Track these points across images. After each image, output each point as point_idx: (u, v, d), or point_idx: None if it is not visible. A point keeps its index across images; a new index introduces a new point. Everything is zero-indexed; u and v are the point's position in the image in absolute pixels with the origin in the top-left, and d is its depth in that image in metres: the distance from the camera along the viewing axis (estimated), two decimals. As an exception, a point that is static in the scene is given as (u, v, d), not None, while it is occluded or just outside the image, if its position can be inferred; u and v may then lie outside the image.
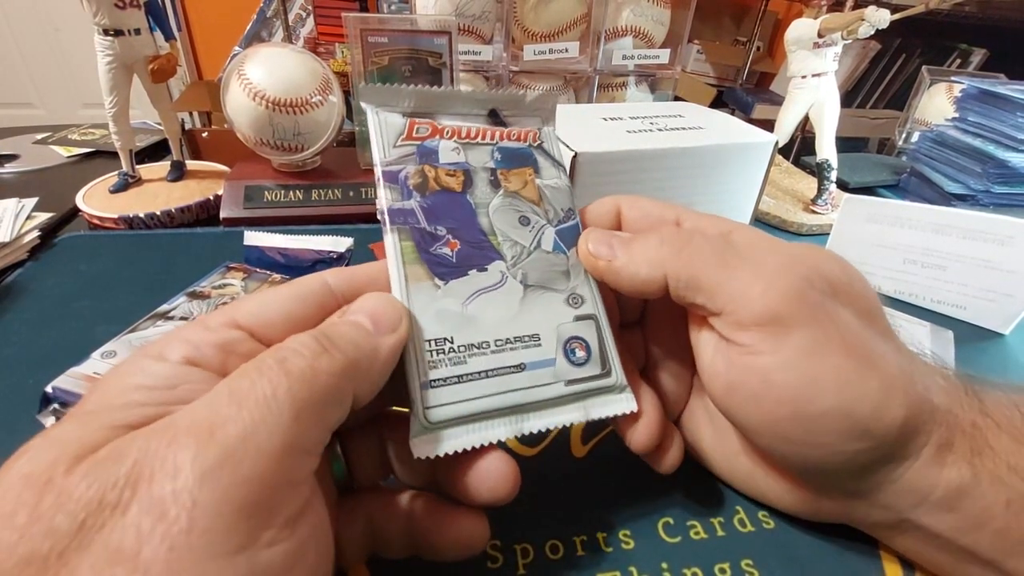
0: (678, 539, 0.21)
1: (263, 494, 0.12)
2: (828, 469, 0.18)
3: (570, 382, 0.18)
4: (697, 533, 0.22)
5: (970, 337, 0.35)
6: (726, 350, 0.18)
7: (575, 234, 0.20)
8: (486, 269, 0.18)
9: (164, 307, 0.29)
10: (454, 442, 0.17)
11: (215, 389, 0.13)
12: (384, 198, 0.18)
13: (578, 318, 0.19)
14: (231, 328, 0.16)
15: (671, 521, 0.22)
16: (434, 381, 0.17)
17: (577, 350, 0.19)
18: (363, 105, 0.19)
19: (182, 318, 0.28)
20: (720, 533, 0.22)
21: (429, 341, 0.17)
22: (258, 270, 0.33)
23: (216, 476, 0.12)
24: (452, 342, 0.17)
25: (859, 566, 0.21)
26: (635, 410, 0.19)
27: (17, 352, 0.29)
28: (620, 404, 0.19)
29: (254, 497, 0.12)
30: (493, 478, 0.17)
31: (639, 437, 0.20)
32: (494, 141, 0.20)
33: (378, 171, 0.18)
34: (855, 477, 0.18)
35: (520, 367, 0.18)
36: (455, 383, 0.17)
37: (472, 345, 0.17)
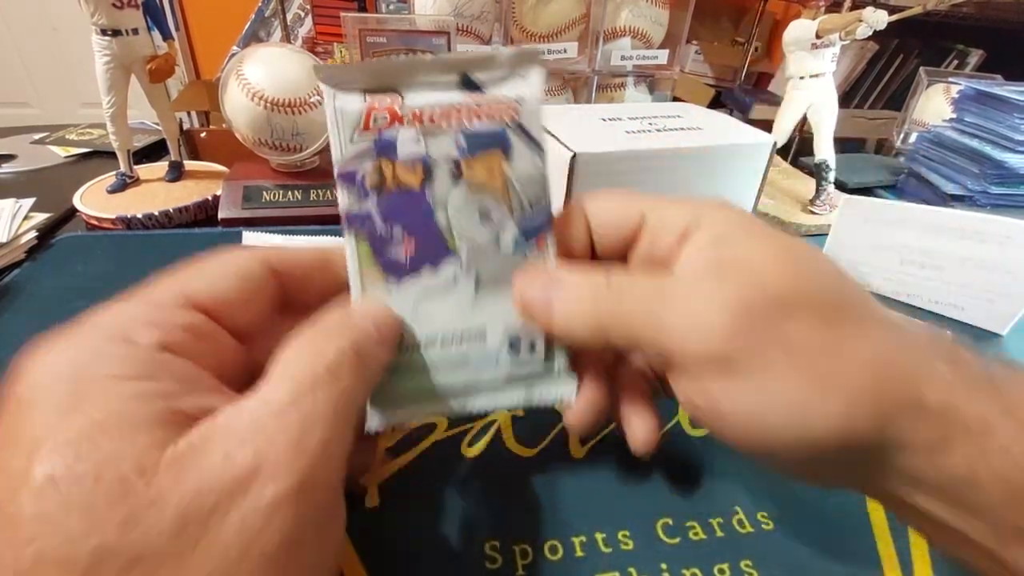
0: (677, 540, 0.21)
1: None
2: (805, 476, 0.18)
3: (512, 374, 0.19)
4: (696, 534, 0.22)
5: (968, 338, 0.35)
6: (681, 381, 0.17)
7: (543, 231, 0.19)
8: (438, 269, 0.18)
9: None
10: (401, 415, 0.18)
11: (283, 408, 0.13)
12: (342, 201, 0.18)
13: None
14: (190, 309, 0.15)
15: (670, 522, 0.22)
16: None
17: (522, 347, 0.19)
18: (321, 86, 0.18)
19: None
20: (719, 534, 0.22)
21: None
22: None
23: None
24: (402, 339, 0.18)
25: (859, 566, 0.21)
26: (573, 397, 0.20)
27: (14, 353, 0.29)
28: (561, 390, 0.20)
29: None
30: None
31: (570, 417, 0.20)
32: (460, 124, 0.18)
33: (336, 171, 0.18)
34: (837, 476, 0.18)
35: (466, 361, 0.18)
36: (405, 370, 0.18)
37: (421, 341, 0.18)
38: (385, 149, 0.18)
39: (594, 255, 0.20)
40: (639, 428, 0.20)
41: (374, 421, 0.18)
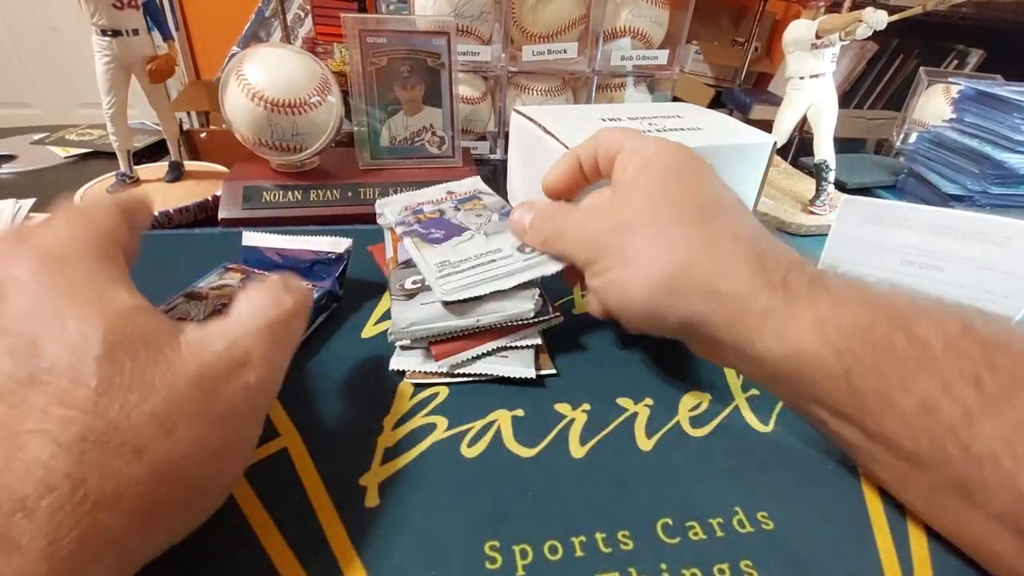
0: (677, 540, 0.21)
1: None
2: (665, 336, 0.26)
3: (526, 259, 0.30)
4: (696, 534, 0.22)
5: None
6: (584, 274, 0.28)
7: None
8: (460, 236, 0.33)
9: (160, 307, 0.28)
10: (457, 295, 0.28)
11: (260, 327, 0.20)
12: (400, 231, 0.34)
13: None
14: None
15: (670, 522, 0.22)
16: (440, 276, 0.29)
17: (525, 249, 0.31)
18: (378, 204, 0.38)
19: (179, 319, 0.27)
20: (719, 534, 0.22)
21: (435, 264, 0.30)
22: (256, 270, 0.33)
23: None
24: (449, 262, 0.30)
25: (858, 567, 0.21)
26: (560, 269, 0.30)
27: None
28: (552, 267, 0.30)
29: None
30: None
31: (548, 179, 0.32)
32: (453, 196, 0.38)
33: (392, 223, 0.35)
34: (692, 344, 0.27)
35: (494, 261, 0.30)
36: (455, 274, 0.29)
37: (460, 260, 0.30)
38: (417, 212, 0.36)
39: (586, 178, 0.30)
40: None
41: (446, 294, 0.28)
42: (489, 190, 0.39)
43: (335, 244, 0.34)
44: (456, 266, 0.30)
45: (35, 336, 0.15)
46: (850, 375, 0.21)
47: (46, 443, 0.14)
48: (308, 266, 0.34)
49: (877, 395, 0.20)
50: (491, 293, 0.28)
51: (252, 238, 0.35)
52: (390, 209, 0.37)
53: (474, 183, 0.40)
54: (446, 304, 0.28)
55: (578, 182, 0.31)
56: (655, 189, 0.26)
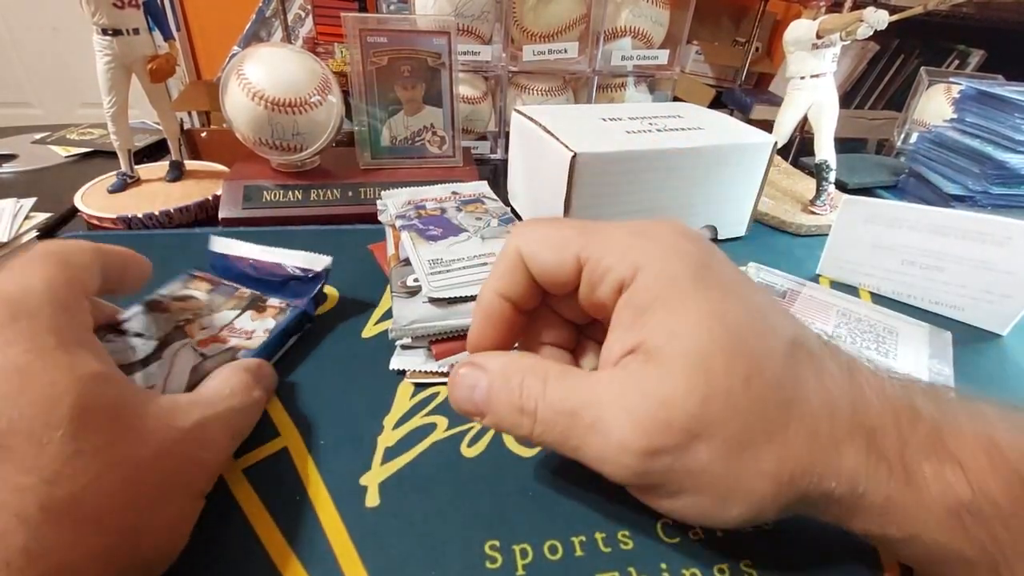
0: (677, 540, 0.21)
1: None
2: None
3: None
4: (696, 534, 0.22)
5: (968, 338, 0.35)
6: None
7: (512, 222, 0.36)
8: (457, 236, 0.34)
9: (120, 316, 0.25)
10: (442, 293, 0.29)
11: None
12: (399, 224, 0.35)
13: None
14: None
15: (670, 522, 0.22)
16: (430, 273, 0.30)
17: None
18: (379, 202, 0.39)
19: (136, 334, 0.25)
20: (719, 534, 0.22)
21: (428, 261, 0.31)
22: (225, 282, 0.30)
23: None
24: (441, 260, 0.31)
25: (858, 567, 0.21)
26: None
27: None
28: None
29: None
30: None
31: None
32: (457, 197, 0.40)
33: (392, 218, 0.36)
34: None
35: (485, 264, 0.31)
36: (445, 273, 0.30)
37: (452, 260, 0.31)
38: (419, 207, 0.37)
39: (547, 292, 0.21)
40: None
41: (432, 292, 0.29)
42: (494, 196, 0.40)
43: (313, 261, 0.31)
44: (447, 265, 0.30)
45: None
46: (996, 566, 0.17)
47: (2, 515, 0.13)
48: (282, 282, 0.31)
49: None
50: None
51: (222, 244, 0.32)
52: (392, 202, 0.37)
53: (479, 187, 0.40)
54: (435, 301, 0.29)
55: (512, 329, 0.22)
56: (721, 377, 0.17)
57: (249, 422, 0.23)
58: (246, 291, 0.30)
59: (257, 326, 0.28)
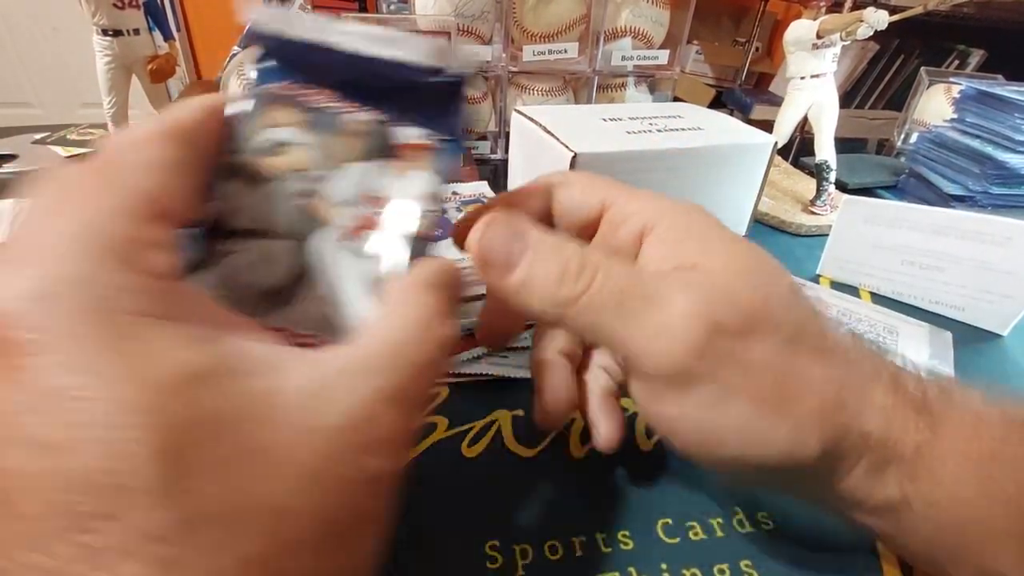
0: (677, 539, 0.21)
1: None
2: (752, 485, 0.18)
3: None
4: (696, 534, 0.22)
5: (968, 338, 0.35)
6: (640, 391, 0.17)
7: None
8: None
9: (214, 208, 0.15)
10: None
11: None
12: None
13: None
14: (160, 225, 0.12)
15: (670, 522, 0.22)
16: None
17: None
18: None
19: (247, 231, 0.16)
20: (719, 534, 0.22)
21: None
22: (311, 100, 0.16)
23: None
24: None
25: (858, 567, 0.21)
26: None
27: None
28: None
29: None
30: None
31: (538, 417, 0.21)
32: None
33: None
34: (786, 487, 0.18)
35: None
36: None
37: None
38: None
39: None
40: (604, 426, 0.20)
41: None
42: (494, 196, 0.39)
43: (438, 52, 0.16)
44: None
45: (46, 442, 0.09)
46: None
47: None
48: (395, 92, 0.16)
49: None
50: None
51: (265, 15, 0.16)
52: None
53: (479, 187, 0.40)
54: None
55: None
56: (774, 285, 0.17)
57: (436, 379, 0.14)
58: (362, 115, 0.16)
59: (403, 187, 0.16)
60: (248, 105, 0.16)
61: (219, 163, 0.15)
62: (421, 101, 0.16)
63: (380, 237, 0.16)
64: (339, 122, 0.16)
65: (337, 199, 0.16)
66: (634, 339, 0.16)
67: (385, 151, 0.16)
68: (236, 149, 0.16)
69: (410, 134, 0.17)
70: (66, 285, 0.10)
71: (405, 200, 0.16)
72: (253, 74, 0.17)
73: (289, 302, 0.15)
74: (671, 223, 0.18)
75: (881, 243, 0.38)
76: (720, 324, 0.15)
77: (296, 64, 0.16)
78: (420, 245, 0.16)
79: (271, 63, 0.16)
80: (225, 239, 0.15)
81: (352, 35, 0.15)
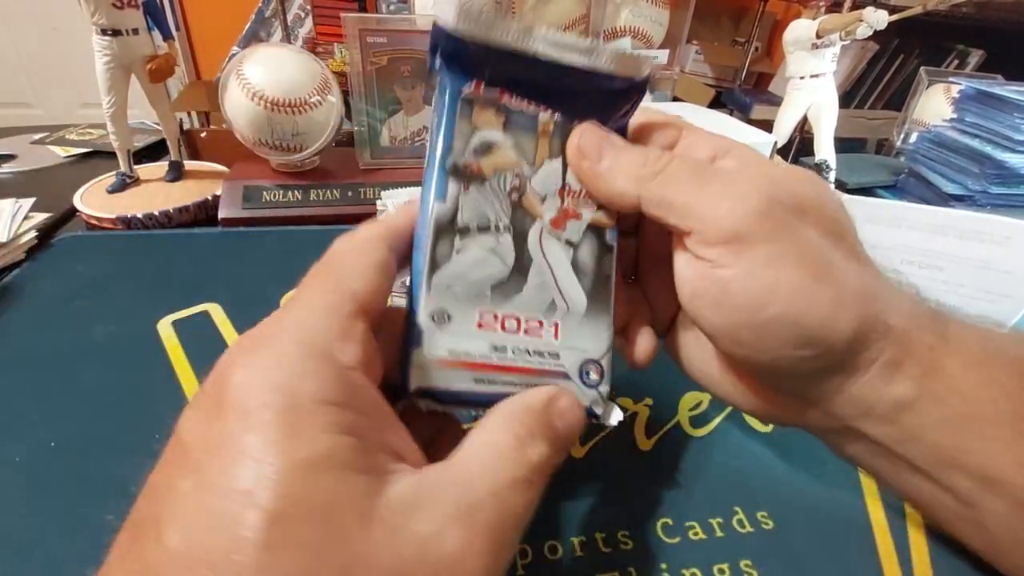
0: (677, 540, 0.21)
1: None
2: (779, 373, 0.19)
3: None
4: (696, 534, 0.22)
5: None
6: (695, 263, 0.18)
7: None
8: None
9: (440, 208, 0.17)
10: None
11: (483, 499, 0.14)
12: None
13: None
14: (362, 317, 0.15)
15: (670, 522, 0.22)
16: None
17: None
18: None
19: (480, 228, 0.17)
20: (719, 534, 0.22)
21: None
22: (513, 102, 0.18)
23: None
24: None
25: (858, 566, 0.21)
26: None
27: (14, 353, 0.29)
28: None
29: None
30: None
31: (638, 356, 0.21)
32: None
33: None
34: (804, 384, 0.19)
35: None
36: None
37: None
38: None
39: None
40: (642, 344, 0.21)
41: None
42: None
43: (629, 63, 0.18)
44: None
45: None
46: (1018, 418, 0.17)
47: None
48: (576, 95, 0.19)
49: None
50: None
51: (467, 21, 0.17)
52: (392, 202, 0.37)
53: None
54: None
55: None
56: (812, 185, 0.19)
57: (527, 513, 0.15)
58: (545, 115, 0.18)
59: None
60: (453, 106, 0.18)
61: (445, 164, 0.17)
62: (603, 102, 0.19)
63: (578, 226, 0.18)
64: (535, 123, 0.18)
65: (542, 193, 0.18)
66: (701, 204, 0.18)
67: (564, 146, 0.19)
68: (455, 153, 0.17)
69: None
70: (276, 372, 0.13)
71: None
72: (443, 76, 0.18)
73: (517, 291, 0.17)
74: (739, 152, 0.20)
75: (880, 243, 0.38)
76: (779, 199, 0.17)
77: (493, 68, 0.17)
78: (610, 232, 0.19)
79: (457, 67, 0.17)
80: (455, 237, 0.17)
81: (549, 43, 0.17)
